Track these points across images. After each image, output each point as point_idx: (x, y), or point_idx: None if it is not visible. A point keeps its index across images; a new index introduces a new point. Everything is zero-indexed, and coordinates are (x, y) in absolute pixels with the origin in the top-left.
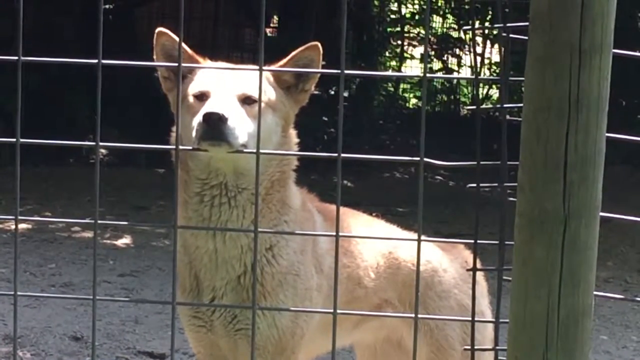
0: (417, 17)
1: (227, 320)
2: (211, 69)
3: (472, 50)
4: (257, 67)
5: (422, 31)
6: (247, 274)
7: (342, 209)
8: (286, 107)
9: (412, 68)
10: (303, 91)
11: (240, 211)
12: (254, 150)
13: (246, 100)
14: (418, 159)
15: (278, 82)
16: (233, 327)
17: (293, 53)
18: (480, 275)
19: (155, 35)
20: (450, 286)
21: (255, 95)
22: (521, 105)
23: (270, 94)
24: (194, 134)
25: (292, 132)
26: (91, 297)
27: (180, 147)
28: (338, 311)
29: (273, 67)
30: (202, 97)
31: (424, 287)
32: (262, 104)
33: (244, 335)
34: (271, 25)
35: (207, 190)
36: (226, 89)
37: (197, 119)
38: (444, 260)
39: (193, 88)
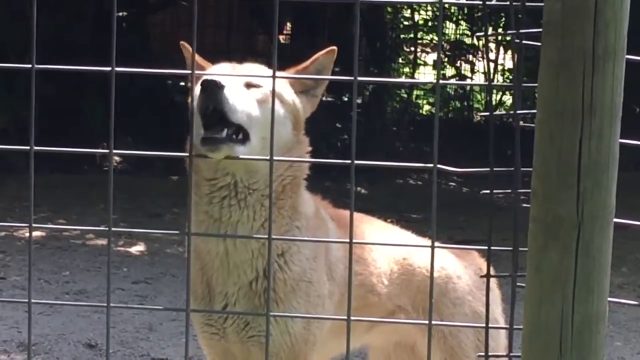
0: (430, 23)
1: (239, 327)
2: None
3: (485, 56)
4: (270, 75)
5: (435, 38)
6: (259, 279)
7: (357, 215)
8: (297, 106)
9: (425, 74)
10: (314, 97)
11: (251, 212)
12: (262, 147)
13: (250, 85)
14: (431, 165)
15: (297, 85)
16: (246, 334)
17: (314, 57)
18: (494, 283)
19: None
20: (464, 293)
21: (260, 81)
22: (534, 111)
23: (277, 86)
24: (195, 107)
25: (305, 139)
26: (105, 304)
27: (194, 154)
28: (352, 318)
29: (286, 74)
30: None
31: (437, 293)
32: (268, 90)
33: (257, 342)
34: (284, 32)
35: (217, 191)
36: (233, 76)
37: (196, 90)
38: (458, 267)
39: (199, 80)
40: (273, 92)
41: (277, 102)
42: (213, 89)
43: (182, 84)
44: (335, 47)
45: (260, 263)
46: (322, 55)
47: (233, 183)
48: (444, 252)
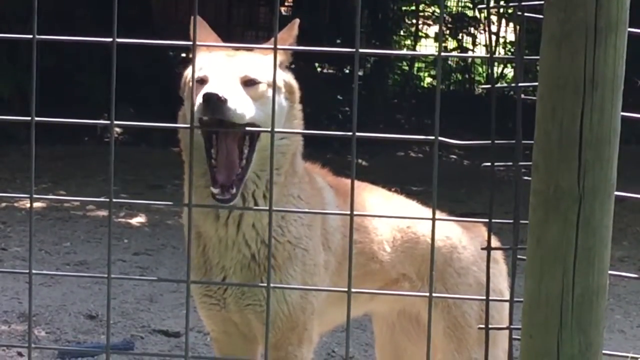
0: None
1: (237, 297)
2: (209, 53)
3: (487, 28)
4: (272, 46)
5: (437, 10)
6: (261, 249)
7: (359, 184)
8: (288, 81)
9: (427, 47)
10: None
11: (260, 200)
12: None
13: (247, 83)
14: (433, 137)
15: (286, 59)
16: (243, 302)
17: (291, 33)
18: (499, 255)
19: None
20: (469, 263)
21: (257, 77)
22: (536, 84)
23: (271, 74)
24: (195, 113)
25: (298, 106)
26: (106, 275)
27: (195, 125)
28: (353, 290)
29: (288, 46)
30: (201, 82)
31: (442, 263)
32: (265, 85)
33: (253, 311)
34: (286, 4)
35: None
36: (226, 72)
37: (198, 100)
38: (464, 238)
39: (195, 73)
40: (275, 62)
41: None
42: (216, 103)
43: (184, 55)
44: (298, 19)
45: (266, 235)
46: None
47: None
48: (449, 222)
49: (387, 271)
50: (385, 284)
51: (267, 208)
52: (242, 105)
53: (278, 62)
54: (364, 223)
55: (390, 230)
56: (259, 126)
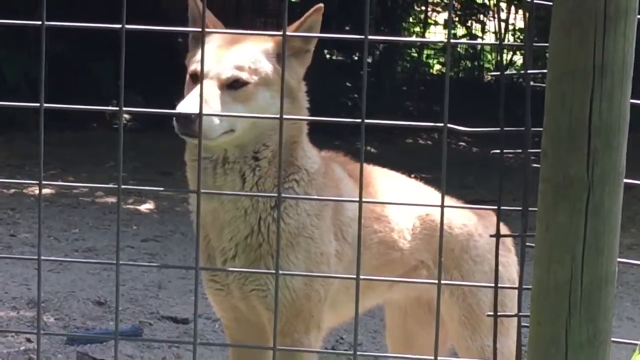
0: None
1: (240, 283)
2: (207, 44)
3: (496, 16)
4: (280, 33)
5: None
6: (254, 234)
7: (380, 170)
8: (287, 76)
9: (436, 34)
10: (307, 53)
11: (237, 177)
12: (250, 130)
13: (233, 85)
14: (442, 124)
15: (287, 48)
16: (247, 288)
17: (302, 19)
18: (511, 245)
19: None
20: (484, 251)
21: (244, 77)
22: (545, 71)
23: (261, 69)
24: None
25: (302, 96)
26: (114, 262)
27: (204, 113)
28: (362, 277)
29: (297, 33)
30: (195, 77)
31: (459, 250)
32: (251, 85)
33: (256, 297)
34: None
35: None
36: (213, 74)
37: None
38: (479, 226)
39: (190, 66)
40: (283, 50)
41: (260, 89)
42: (185, 122)
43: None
44: (322, 5)
45: (253, 218)
46: (310, 16)
47: (222, 157)
48: (466, 210)
49: (407, 259)
50: (404, 272)
51: (276, 194)
52: (213, 121)
53: (271, 51)
54: (384, 212)
55: (410, 218)
56: (240, 123)
